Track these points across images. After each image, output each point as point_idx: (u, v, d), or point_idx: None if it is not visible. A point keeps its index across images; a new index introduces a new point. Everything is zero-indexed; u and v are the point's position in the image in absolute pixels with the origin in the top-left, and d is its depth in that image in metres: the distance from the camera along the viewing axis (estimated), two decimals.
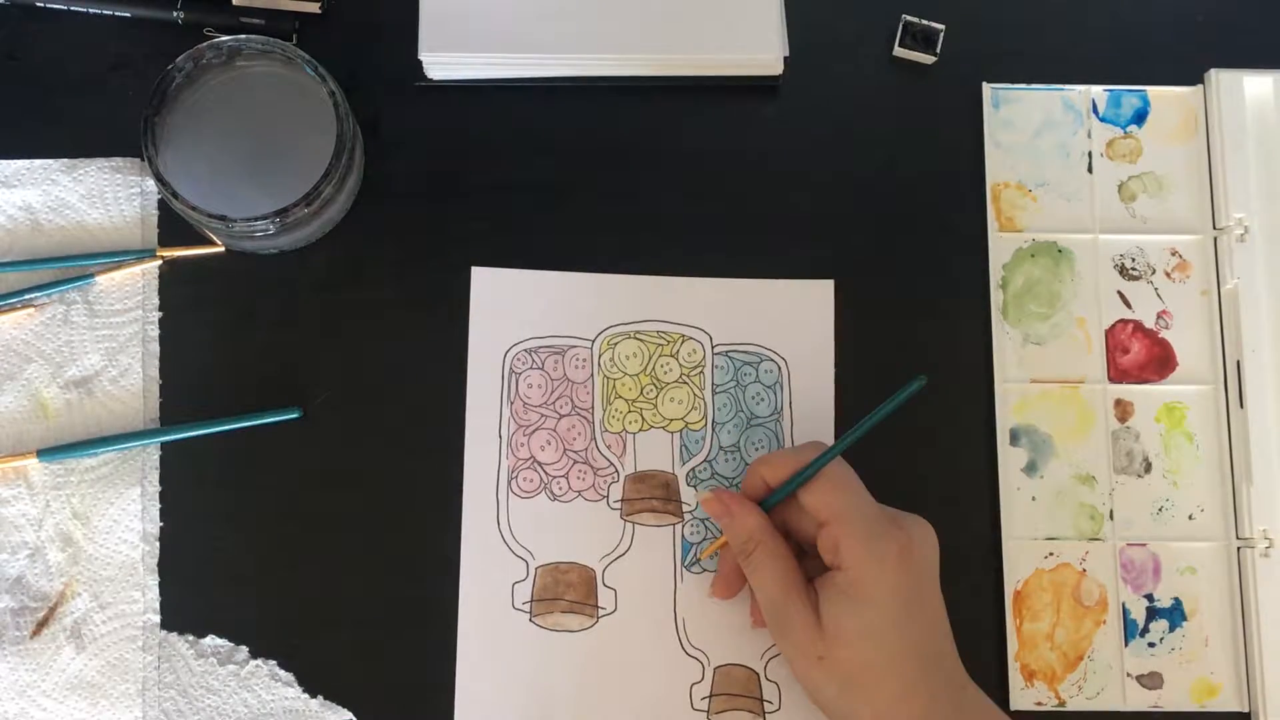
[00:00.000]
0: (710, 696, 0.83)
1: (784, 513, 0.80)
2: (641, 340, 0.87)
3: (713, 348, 0.87)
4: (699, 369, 0.87)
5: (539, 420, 0.86)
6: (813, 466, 0.77)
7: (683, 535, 0.85)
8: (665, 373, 0.86)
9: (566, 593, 0.84)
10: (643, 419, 0.86)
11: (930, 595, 0.77)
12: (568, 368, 0.86)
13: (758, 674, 0.83)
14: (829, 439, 0.86)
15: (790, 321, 0.87)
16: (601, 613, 0.84)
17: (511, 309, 0.87)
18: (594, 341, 0.87)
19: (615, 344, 0.86)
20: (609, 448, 0.85)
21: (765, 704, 0.83)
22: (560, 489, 0.85)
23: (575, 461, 0.85)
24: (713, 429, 0.86)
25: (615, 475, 0.85)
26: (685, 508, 0.85)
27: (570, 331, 0.87)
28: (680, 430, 0.86)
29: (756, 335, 0.87)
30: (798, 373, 0.87)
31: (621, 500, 0.85)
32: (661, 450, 0.86)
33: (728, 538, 0.80)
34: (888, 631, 0.75)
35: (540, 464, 0.85)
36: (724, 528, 0.80)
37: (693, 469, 0.85)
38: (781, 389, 0.86)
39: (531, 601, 0.83)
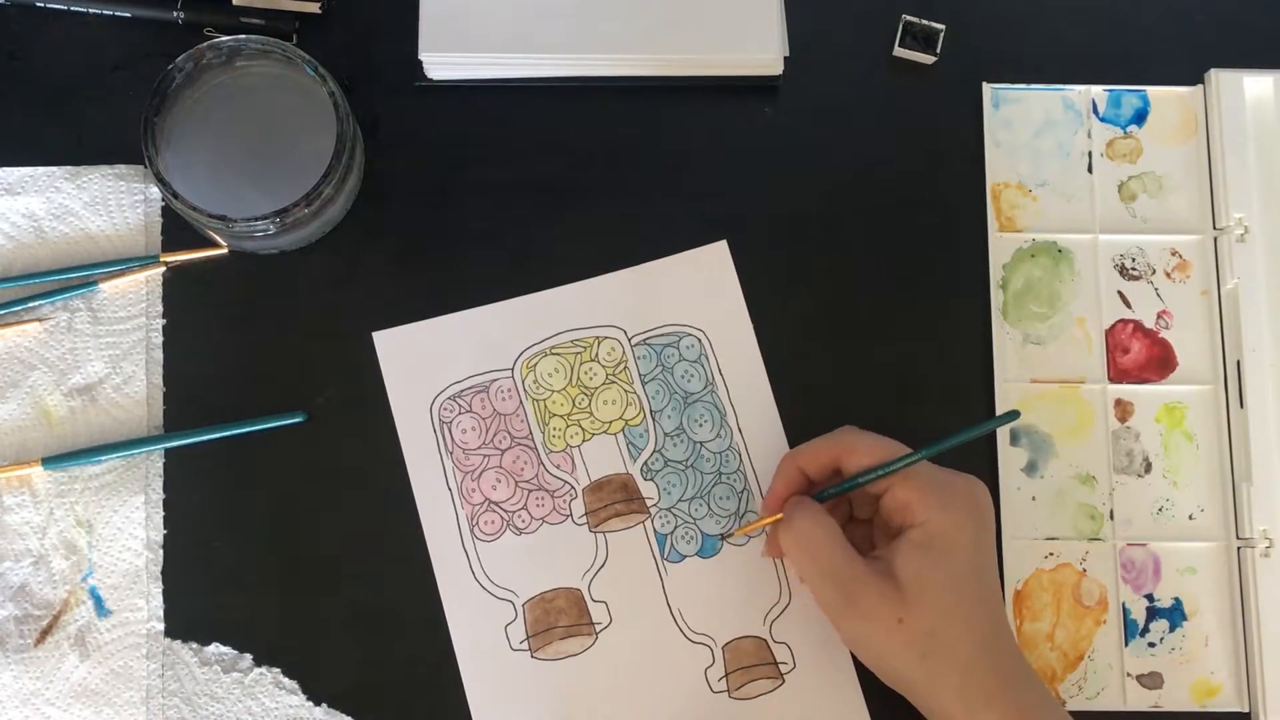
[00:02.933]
0: (726, 675, 0.83)
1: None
2: (559, 354, 0.86)
3: (630, 340, 0.87)
4: (623, 365, 0.86)
5: (482, 462, 0.85)
6: (899, 463, 0.77)
7: (654, 529, 0.85)
8: (591, 378, 0.86)
9: (559, 620, 0.83)
10: (582, 430, 0.86)
11: (991, 549, 0.77)
12: (495, 402, 0.86)
13: (766, 640, 0.83)
14: (767, 395, 0.86)
15: (697, 292, 0.87)
16: (599, 628, 0.84)
17: (424, 362, 0.86)
18: (513, 369, 0.86)
19: (534, 365, 0.86)
20: (558, 467, 0.85)
21: (781, 666, 0.83)
22: (523, 522, 0.85)
23: (530, 490, 0.85)
24: (652, 419, 0.86)
25: (572, 492, 0.85)
26: (649, 503, 0.85)
27: (488, 366, 0.86)
28: (622, 430, 0.86)
29: (669, 315, 0.87)
30: (719, 340, 0.87)
31: (585, 514, 0.85)
32: (610, 454, 0.86)
33: (785, 548, 0.79)
34: (968, 582, 0.75)
35: (496, 504, 0.85)
36: (782, 539, 0.79)
37: (645, 463, 0.85)
38: (708, 359, 0.86)
39: (527, 639, 0.83)
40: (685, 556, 0.84)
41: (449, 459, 0.85)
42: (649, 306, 0.87)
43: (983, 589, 0.76)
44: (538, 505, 0.85)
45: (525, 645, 0.83)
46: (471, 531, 0.84)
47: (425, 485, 0.85)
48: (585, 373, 0.86)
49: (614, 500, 0.85)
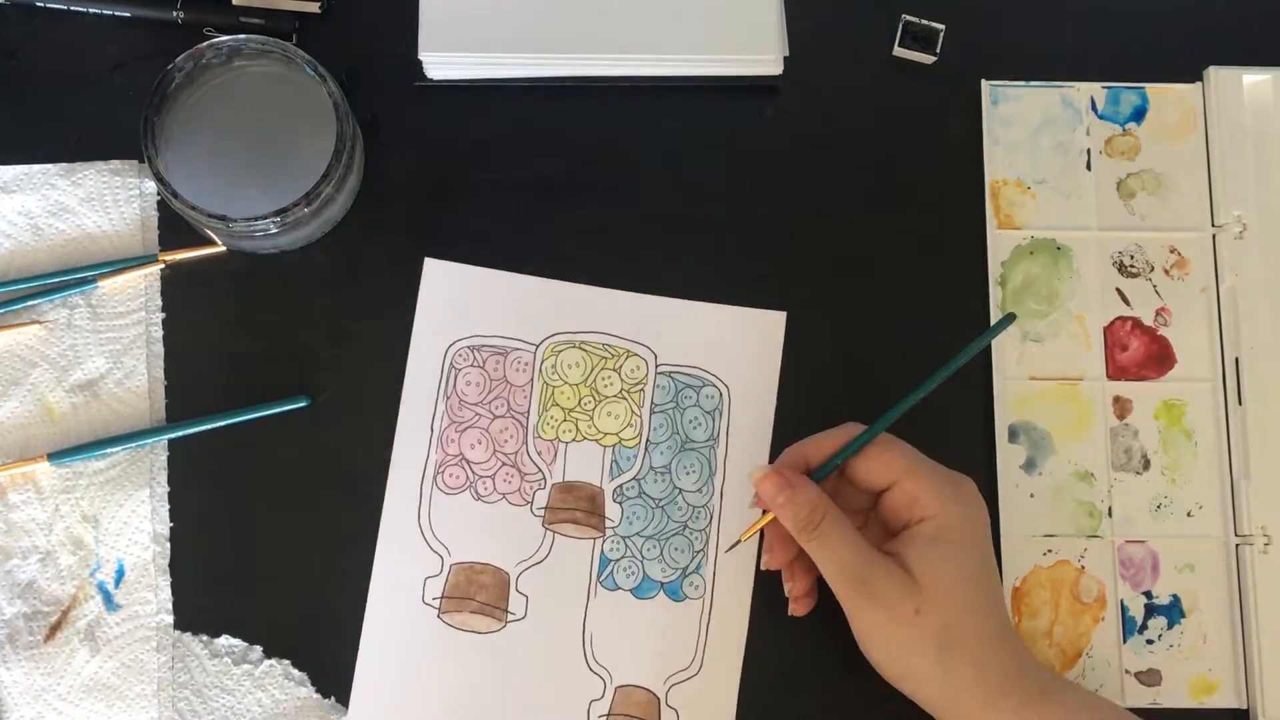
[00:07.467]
0: (609, 715, 0.83)
1: (830, 490, 0.79)
2: (586, 351, 0.86)
3: (656, 366, 0.86)
4: (640, 386, 0.86)
5: (472, 418, 0.85)
6: (871, 432, 0.77)
7: (602, 550, 0.84)
8: (606, 386, 0.86)
9: (478, 594, 0.83)
10: (577, 429, 0.86)
11: (989, 542, 0.78)
12: (508, 369, 0.86)
13: (659, 699, 0.83)
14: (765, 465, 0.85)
15: (738, 349, 0.87)
16: (510, 618, 0.83)
17: (460, 304, 0.87)
18: (538, 347, 0.86)
19: (559, 351, 0.86)
20: (540, 454, 0.85)
21: None
22: (485, 489, 0.85)
23: (504, 464, 0.85)
24: (646, 448, 0.86)
25: (542, 482, 0.85)
26: (608, 524, 0.85)
27: (516, 334, 0.87)
28: (614, 445, 0.86)
29: (702, 359, 0.87)
30: (739, 401, 0.86)
31: (545, 508, 0.85)
32: (592, 463, 0.85)
33: (787, 515, 0.77)
34: (981, 575, 0.76)
35: (468, 462, 0.85)
36: (781, 504, 0.77)
37: (621, 485, 0.85)
38: (720, 416, 0.86)
39: (441, 598, 0.83)
40: (619, 588, 0.84)
41: (443, 403, 0.85)
42: (687, 343, 0.87)
43: (992, 582, 0.77)
44: (505, 481, 0.85)
45: (436, 603, 0.83)
46: (435, 478, 0.85)
47: (410, 419, 0.85)
48: (602, 379, 0.86)
49: (577, 507, 0.85)
